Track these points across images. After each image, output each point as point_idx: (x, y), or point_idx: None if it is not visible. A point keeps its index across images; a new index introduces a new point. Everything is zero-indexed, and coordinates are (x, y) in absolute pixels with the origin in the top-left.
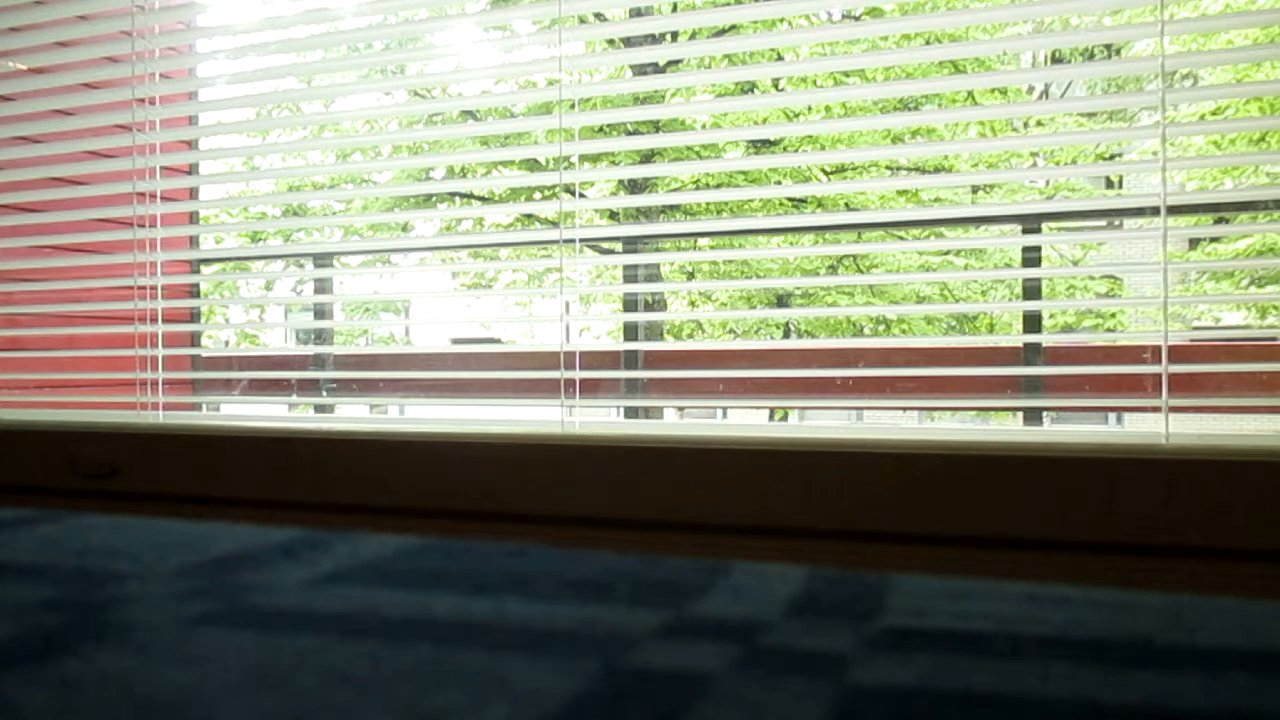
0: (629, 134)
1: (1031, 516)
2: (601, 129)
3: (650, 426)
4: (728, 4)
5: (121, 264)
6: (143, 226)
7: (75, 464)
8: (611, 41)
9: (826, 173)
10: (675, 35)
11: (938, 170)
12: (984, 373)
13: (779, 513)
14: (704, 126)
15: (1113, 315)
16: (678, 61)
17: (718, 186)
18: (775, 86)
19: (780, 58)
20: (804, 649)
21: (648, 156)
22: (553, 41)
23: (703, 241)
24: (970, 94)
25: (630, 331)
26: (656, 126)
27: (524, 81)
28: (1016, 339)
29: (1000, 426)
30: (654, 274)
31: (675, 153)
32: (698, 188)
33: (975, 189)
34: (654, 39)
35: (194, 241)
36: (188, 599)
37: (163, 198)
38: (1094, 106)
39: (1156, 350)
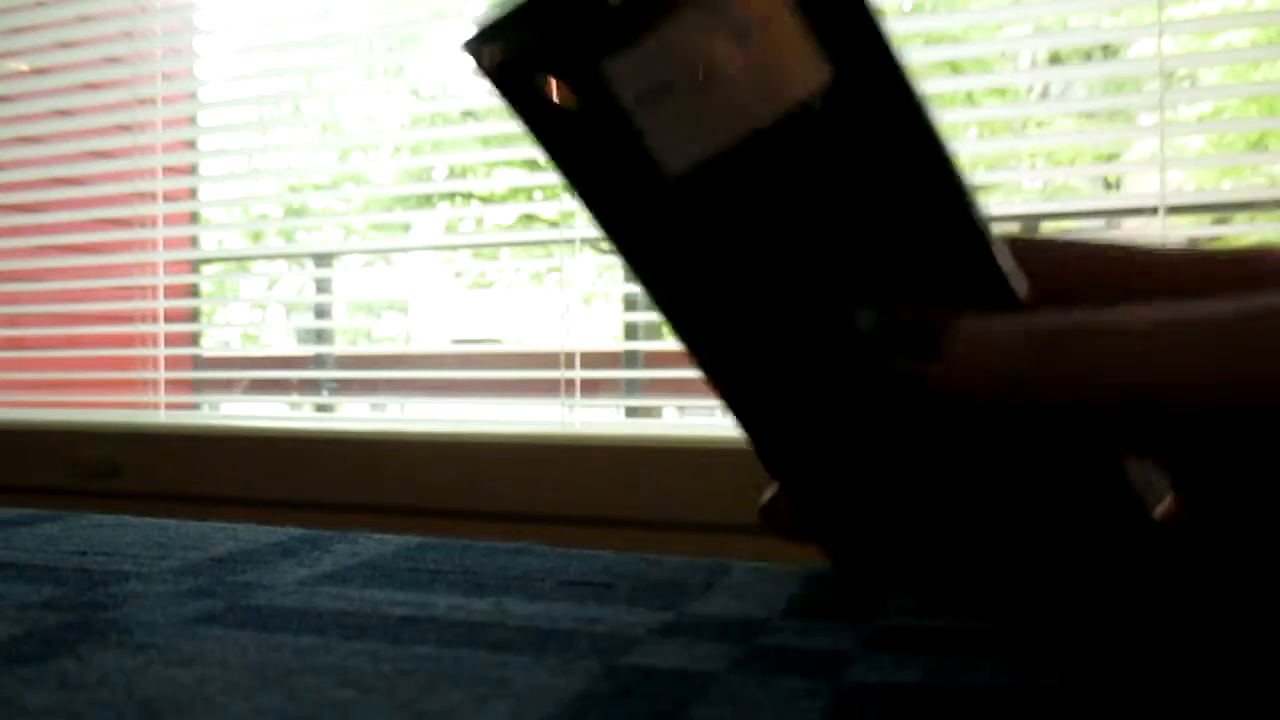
0: None
1: None
2: None
3: (650, 426)
4: None
5: (123, 264)
6: (144, 226)
7: (76, 463)
8: None
9: None
10: None
11: None
12: None
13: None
14: None
15: None
16: None
17: None
18: None
19: None
20: (804, 649)
21: None
22: None
23: None
24: (969, 94)
25: (631, 331)
26: None
27: None
28: None
29: None
30: None
31: None
32: None
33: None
34: None
35: (195, 241)
36: (188, 598)
37: (164, 198)
38: (1093, 107)
39: None
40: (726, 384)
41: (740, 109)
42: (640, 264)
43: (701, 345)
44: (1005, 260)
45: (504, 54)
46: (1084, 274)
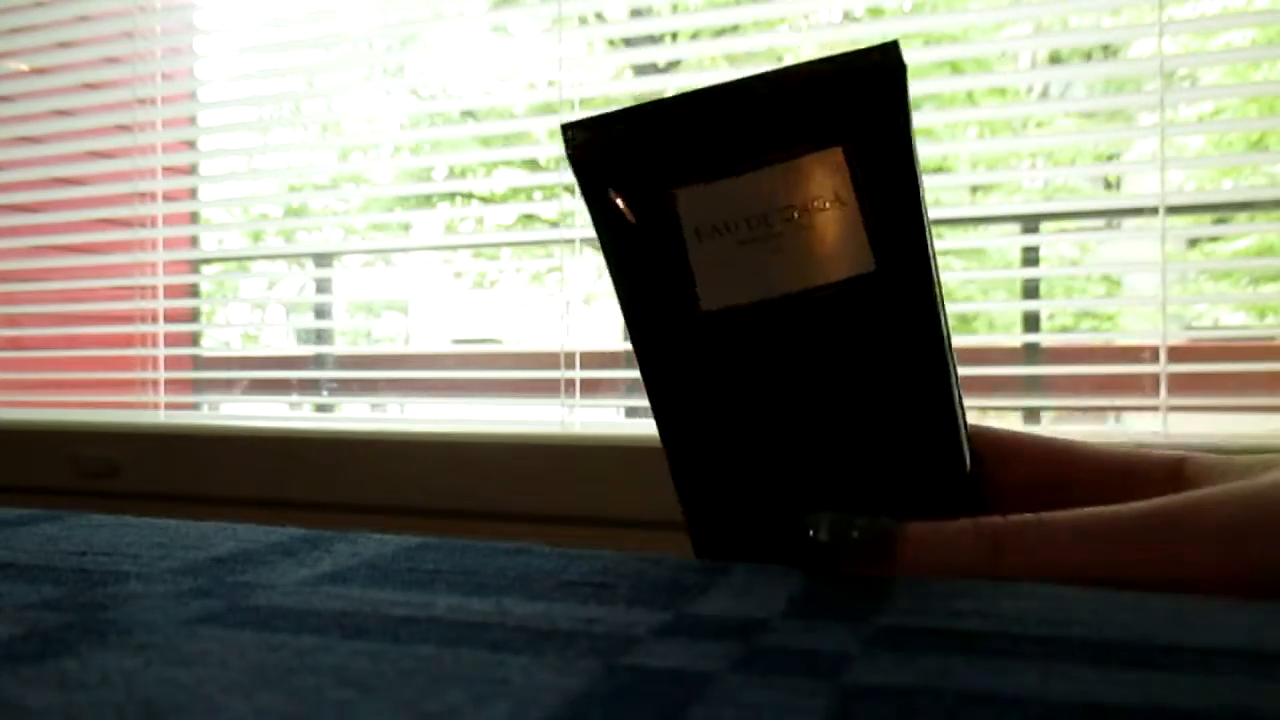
0: None
1: None
2: None
3: (650, 426)
4: (728, 4)
5: (123, 264)
6: (143, 226)
7: (76, 463)
8: (612, 42)
9: None
10: (675, 35)
11: (937, 170)
12: (983, 372)
13: None
14: None
15: (1110, 317)
16: (678, 62)
17: None
18: None
19: (780, 59)
20: (804, 649)
21: None
22: (553, 42)
23: None
24: (969, 94)
25: None
26: None
27: (526, 84)
28: (1015, 338)
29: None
30: None
31: None
32: None
33: (975, 189)
34: (654, 39)
35: (195, 241)
36: (188, 598)
37: (164, 197)
38: (1093, 107)
39: (1155, 350)
40: (687, 484)
41: (783, 271)
42: (650, 364)
43: (678, 449)
44: (967, 446)
45: (593, 150)
46: (1028, 466)
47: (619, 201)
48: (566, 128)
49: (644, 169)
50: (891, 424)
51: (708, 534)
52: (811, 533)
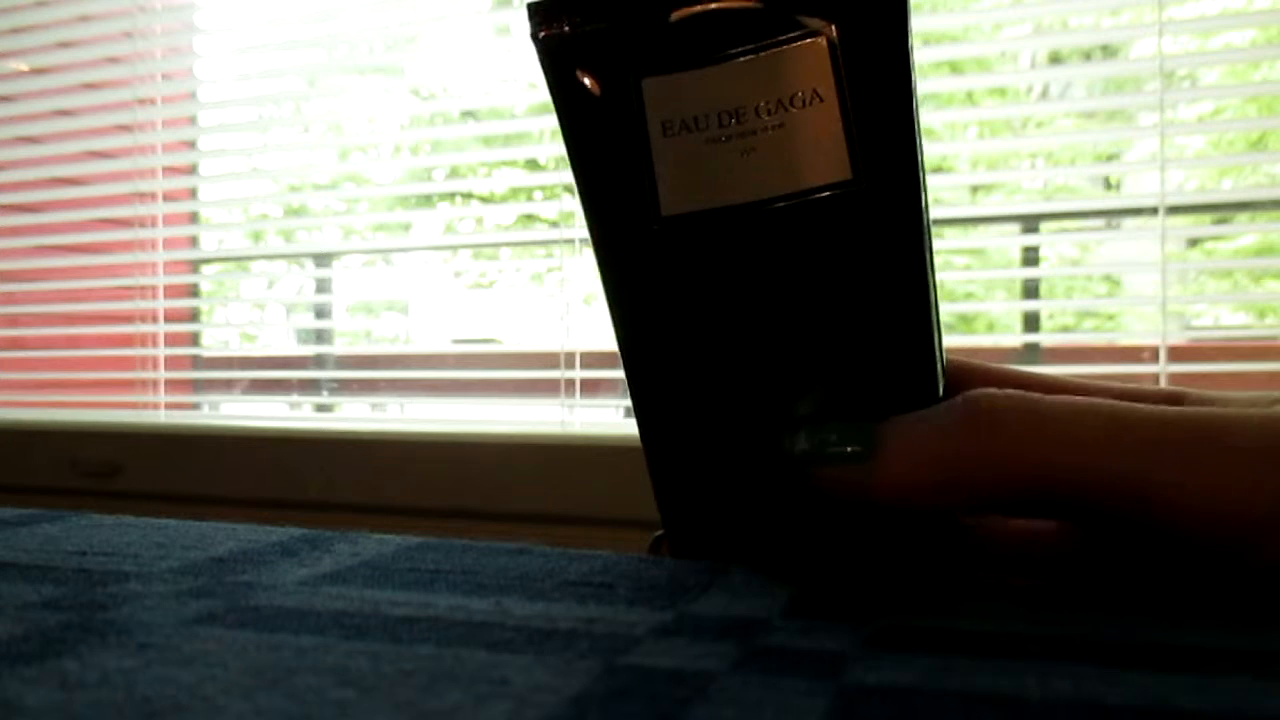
0: None
1: None
2: None
3: None
4: None
5: (123, 264)
6: (144, 226)
7: (77, 463)
8: None
9: None
10: None
11: (937, 170)
12: None
13: None
14: None
15: (1110, 317)
16: None
17: None
18: None
19: None
20: (804, 649)
21: None
22: None
23: None
24: (969, 94)
25: None
26: None
27: (526, 84)
28: (1016, 338)
29: None
30: None
31: None
32: None
33: (975, 189)
34: None
35: (195, 241)
36: (188, 598)
37: (164, 197)
38: (1093, 107)
39: (1155, 350)
40: (645, 407)
41: (752, 174)
42: (610, 274)
43: (634, 360)
44: (942, 372)
45: (559, 30)
46: None
47: (584, 88)
48: (532, 7)
49: (612, 53)
50: (863, 346)
51: (667, 472)
52: (789, 448)
